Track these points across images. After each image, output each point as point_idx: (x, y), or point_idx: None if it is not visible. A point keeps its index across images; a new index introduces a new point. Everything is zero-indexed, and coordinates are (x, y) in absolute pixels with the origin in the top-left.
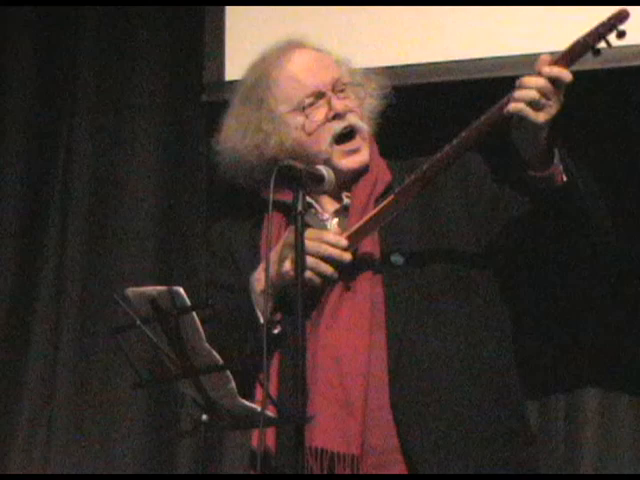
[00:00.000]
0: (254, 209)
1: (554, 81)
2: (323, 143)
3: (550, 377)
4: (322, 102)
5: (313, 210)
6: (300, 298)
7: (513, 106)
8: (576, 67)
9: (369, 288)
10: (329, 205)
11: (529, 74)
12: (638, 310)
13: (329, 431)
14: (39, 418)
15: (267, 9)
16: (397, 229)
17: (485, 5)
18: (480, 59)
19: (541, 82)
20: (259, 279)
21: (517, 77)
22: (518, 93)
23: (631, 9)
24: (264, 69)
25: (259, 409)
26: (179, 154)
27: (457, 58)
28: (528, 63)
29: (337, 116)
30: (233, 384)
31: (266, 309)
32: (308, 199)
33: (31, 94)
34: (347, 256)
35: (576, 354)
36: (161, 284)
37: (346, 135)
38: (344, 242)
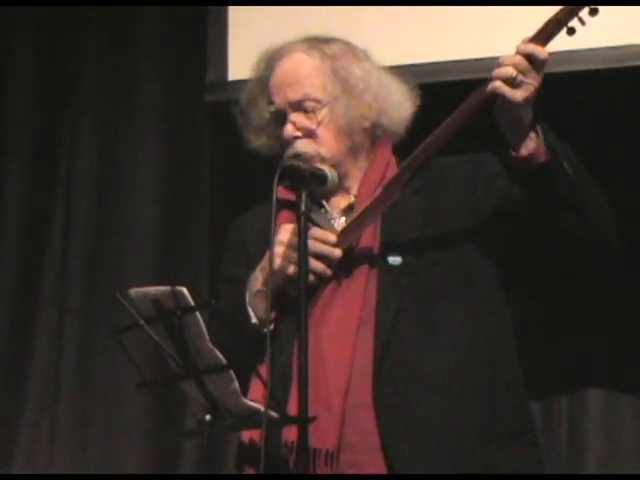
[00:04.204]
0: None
1: (530, 58)
2: None
3: (553, 377)
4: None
5: (323, 209)
6: (303, 296)
7: (490, 85)
8: (576, 67)
9: (363, 287)
10: (338, 204)
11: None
12: None
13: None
14: (43, 418)
15: (270, 9)
16: (398, 228)
17: (485, 5)
18: (480, 59)
19: (517, 59)
20: (256, 278)
21: None
22: (495, 71)
23: (630, 9)
24: (263, 69)
25: (262, 409)
26: (182, 154)
27: (457, 58)
28: None
29: (286, 142)
30: (236, 384)
31: (268, 308)
32: (318, 198)
33: (34, 95)
34: (337, 252)
35: (579, 354)
36: (164, 284)
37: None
38: (332, 238)
